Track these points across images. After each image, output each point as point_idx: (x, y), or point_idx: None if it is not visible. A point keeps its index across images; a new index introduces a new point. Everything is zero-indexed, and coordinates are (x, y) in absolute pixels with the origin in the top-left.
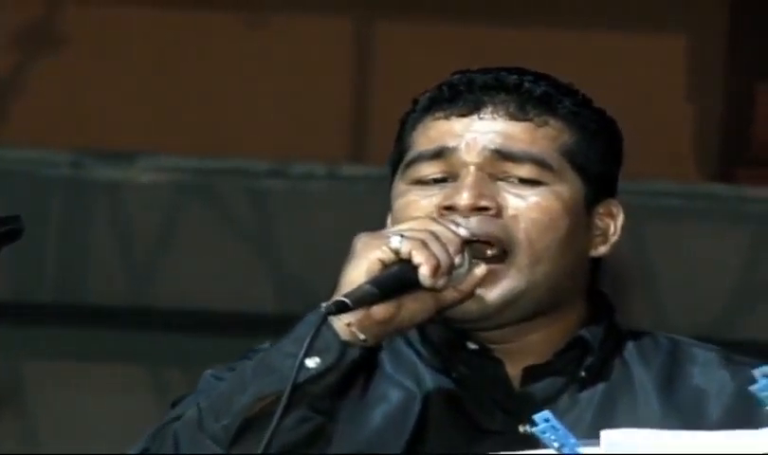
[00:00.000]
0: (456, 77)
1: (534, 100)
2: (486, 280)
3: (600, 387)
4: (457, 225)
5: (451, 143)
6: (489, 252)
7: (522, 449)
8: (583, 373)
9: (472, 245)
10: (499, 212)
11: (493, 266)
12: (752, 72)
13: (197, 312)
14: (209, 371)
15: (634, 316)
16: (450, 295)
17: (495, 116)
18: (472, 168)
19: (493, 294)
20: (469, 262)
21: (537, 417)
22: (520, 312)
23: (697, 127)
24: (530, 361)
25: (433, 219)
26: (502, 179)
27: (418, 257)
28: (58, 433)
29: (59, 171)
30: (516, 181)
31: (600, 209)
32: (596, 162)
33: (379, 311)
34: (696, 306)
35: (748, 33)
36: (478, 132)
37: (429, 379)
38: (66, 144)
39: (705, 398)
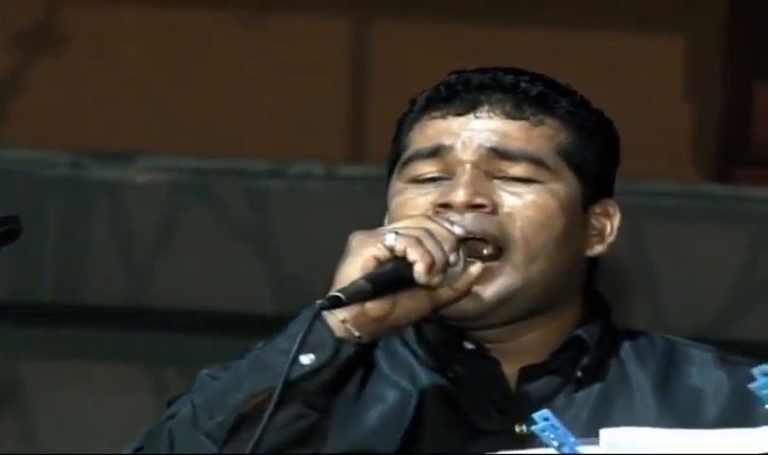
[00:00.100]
0: (453, 77)
1: (530, 100)
2: (482, 277)
3: (596, 387)
4: (452, 223)
5: (447, 141)
6: (485, 251)
7: (518, 449)
8: (579, 373)
9: (467, 244)
10: (494, 210)
11: (489, 264)
12: (751, 72)
13: (196, 312)
14: (205, 370)
15: (633, 316)
16: (446, 293)
17: (491, 114)
18: (468, 166)
19: (489, 291)
20: (465, 260)
21: (536, 416)
22: (515, 310)
23: (696, 127)
24: (526, 361)
25: (428, 217)
26: (497, 177)
27: (413, 254)
28: (57, 433)
29: (58, 171)
30: (512, 179)
31: (597, 209)
32: (593, 162)
33: (374, 308)
34: (695, 306)
35: (747, 33)
36: (474, 130)
37: (425, 379)
38: (65, 144)
39: (702, 398)
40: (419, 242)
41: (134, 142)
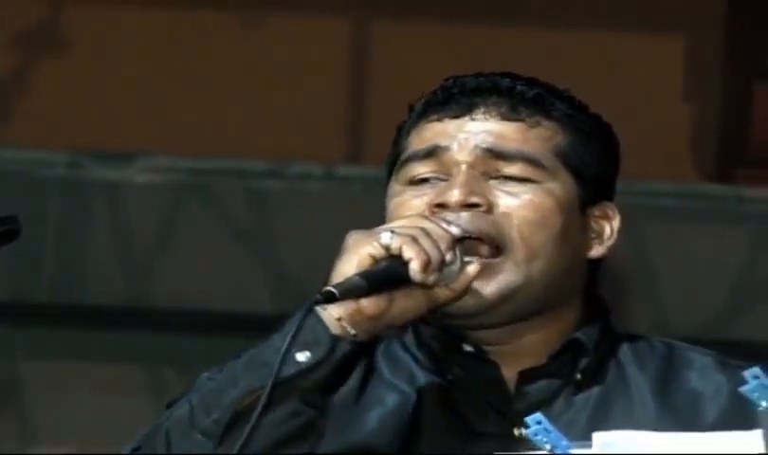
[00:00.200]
0: (450, 81)
1: (526, 102)
2: (483, 274)
3: (595, 389)
4: (448, 223)
5: (444, 143)
6: (482, 251)
7: (516, 452)
8: (578, 376)
9: (464, 243)
10: (490, 209)
11: (489, 261)
12: (750, 72)
13: (195, 312)
14: (205, 374)
15: (633, 316)
16: (444, 293)
17: (487, 116)
18: (464, 166)
19: (490, 288)
20: (462, 259)
21: (529, 419)
22: (516, 308)
23: (695, 127)
24: (526, 363)
25: (424, 216)
26: (494, 177)
27: (408, 252)
28: (57, 433)
29: (57, 171)
30: (508, 179)
31: (596, 212)
32: (592, 164)
33: (370, 305)
34: (695, 306)
35: (746, 34)
36: (470, 132)
37: (424, 381)
38: (65, 144)
39: (702, 401)
40: (415, 240)
41: (133, 142)
